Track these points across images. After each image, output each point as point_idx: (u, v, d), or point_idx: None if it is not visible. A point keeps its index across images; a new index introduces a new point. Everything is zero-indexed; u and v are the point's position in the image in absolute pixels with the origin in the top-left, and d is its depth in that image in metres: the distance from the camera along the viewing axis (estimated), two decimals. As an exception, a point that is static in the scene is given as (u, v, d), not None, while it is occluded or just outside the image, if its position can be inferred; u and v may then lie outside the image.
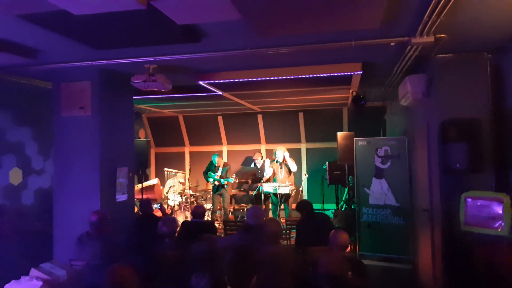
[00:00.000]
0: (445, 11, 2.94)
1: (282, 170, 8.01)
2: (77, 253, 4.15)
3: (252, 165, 9.39)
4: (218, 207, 8.61)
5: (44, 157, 5.95)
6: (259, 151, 9.64)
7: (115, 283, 2.43)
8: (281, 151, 8.00)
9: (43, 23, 3.34)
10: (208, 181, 8.75)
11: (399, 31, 3.68)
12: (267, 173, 8.20)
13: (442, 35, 3.63)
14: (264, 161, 9.19)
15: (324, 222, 4.86)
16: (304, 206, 5.10)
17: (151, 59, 4.42)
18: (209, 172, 8.55)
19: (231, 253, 3.42)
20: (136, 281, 2.52)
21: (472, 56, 4.35)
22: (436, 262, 4.65)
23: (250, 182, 8.75)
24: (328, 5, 2.88)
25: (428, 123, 4.86)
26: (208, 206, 8.92)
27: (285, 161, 8.03)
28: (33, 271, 3.77)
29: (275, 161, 8.08)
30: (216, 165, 8.54)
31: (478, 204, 3.69)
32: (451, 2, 2.79)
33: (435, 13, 3.00)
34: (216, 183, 8.44)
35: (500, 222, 3.48)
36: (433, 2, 2.84)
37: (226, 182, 8.37)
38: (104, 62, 4.59)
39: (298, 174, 8.76)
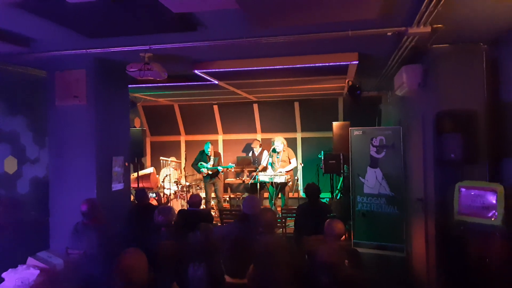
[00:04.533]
0: (442, 1, 2.93)
1: (279, 159, 8.03)
2: (73, 242, 4.16)
3: (250, 153, 9.38)
4: (212, 196, 8.61)
5: (39, 146, 5.91)
6: (256, 139, 9.60)
7: (125, 268, 2.38)
8: (280, 142, 8.00)
9: (37, 11, 3.29)
10: (200, 172, 8.55)
11: (396, 21, 3.66)
12: (264, 162, 8.22)
13: (439, 26, 3.61)
14: (262, 149, 9.20)
15: (323, 211, 4.87)
16: (308, 191, 5.07)
17: (147, 47, 4.37)
18: (200, 163, 8.46)
19: (228, 243, 3.44)
20: (146, 267, 2.47)
21: (468, 47, 4.33)
22: (430, 250, 4.71)
23: (245, 171, 8.76)
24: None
25: (423, 114, 4.87)
26: (202, 195, 8.94)
27: (285, 151, 8.06)
28: (30, 260, 3.78)
29: (272, 150, 8.10)
30: (208, 154, 8.51)
31: (472, 193, 3.73)
32: (449, -8, 2.78)
33: (433, 3, 2.99)
34: (210, 172, 8.40)
35: (494, 211, 3.52)
36: (431, -8, 2.84)
37: (224, 169, 8.31)
38: (99, 50, 4.54)
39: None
